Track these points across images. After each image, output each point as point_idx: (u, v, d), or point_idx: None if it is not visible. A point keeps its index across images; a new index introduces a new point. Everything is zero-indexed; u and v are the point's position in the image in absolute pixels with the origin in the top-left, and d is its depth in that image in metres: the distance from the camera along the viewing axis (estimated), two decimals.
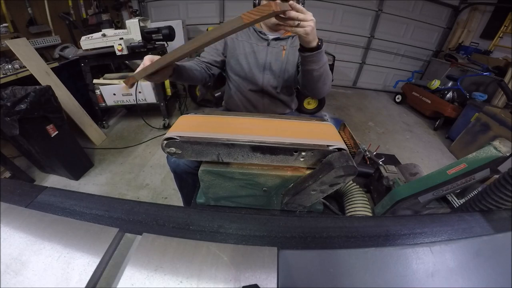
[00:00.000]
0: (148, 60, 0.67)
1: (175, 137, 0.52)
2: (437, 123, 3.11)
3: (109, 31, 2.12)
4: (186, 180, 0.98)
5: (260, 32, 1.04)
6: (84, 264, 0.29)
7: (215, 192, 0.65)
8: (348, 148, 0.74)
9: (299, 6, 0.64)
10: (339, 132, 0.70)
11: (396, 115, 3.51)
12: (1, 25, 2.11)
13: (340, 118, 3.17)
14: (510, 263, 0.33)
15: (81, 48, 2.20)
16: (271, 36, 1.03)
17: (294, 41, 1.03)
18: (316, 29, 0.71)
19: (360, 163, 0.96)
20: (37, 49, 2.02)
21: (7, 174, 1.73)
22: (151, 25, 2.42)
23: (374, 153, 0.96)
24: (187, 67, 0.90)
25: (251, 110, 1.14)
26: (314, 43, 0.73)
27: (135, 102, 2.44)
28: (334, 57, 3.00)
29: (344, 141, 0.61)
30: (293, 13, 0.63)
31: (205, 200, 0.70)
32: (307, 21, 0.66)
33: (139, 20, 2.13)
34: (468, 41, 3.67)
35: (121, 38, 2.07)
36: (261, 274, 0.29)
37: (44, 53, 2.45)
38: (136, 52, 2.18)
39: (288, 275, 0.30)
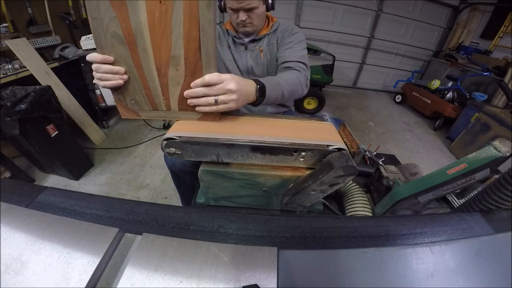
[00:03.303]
0: None
1: (175, 137, 0.52)
2: (437, 123, 3.11)
3: None
4: (184, 178, 0.98)
5: (235, 36, 0.97)
6: (84, 264, 0.29)
7: (215, 192, 0.65)
8: (348, 148, 0.74)
9: (203, 80, 0.52)
10: (339, 132, 0.70)
11: (396, 115, 3.51)
12: (1, 25, 2.11)
13: (340, 118, 3.17)
14: (510, 263, 0.33)
15: (81, 48, 2.20)
16: (246, 39, 0.97)
17: (270, 39, 0.97)
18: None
19: (360, 163, 0.96)
20: (37, 49, 2.02)
21: (7, 174, 1.73)
22: None
23: (374, 153, 0.96)
24: None
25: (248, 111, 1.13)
26: (252, 100, 0.63)
27: None
28: (334, 57, 3.00)
29: (344, 141, 0.61)
30: (200, 90, 0.53)
31: (205, 200, 0.70)
32: (225, 93, 0.54)
33: None
34: (468, 41, 3.68)
35: None
36: (261, 274, 0.29)
37: (44, 53, 2.44)
38: None
39: (288, 275, 0.30)
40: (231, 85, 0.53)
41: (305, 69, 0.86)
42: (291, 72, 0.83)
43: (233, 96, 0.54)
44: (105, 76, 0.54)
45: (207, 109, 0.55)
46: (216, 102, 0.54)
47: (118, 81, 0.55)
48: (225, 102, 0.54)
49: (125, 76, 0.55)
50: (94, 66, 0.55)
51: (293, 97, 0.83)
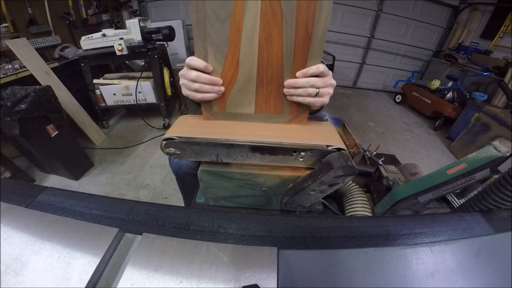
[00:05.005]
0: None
1: (174, 137, 0.52)
2: (437, 123, 3.11)
3: (109, 31, 2.12)
4: (189, 182, 0.98)
5: None
6: (84, 264, 0.29)
7: (214, 192, 0.65)
8: (348, 148, 0.74)
9: (318, 68, 0.48)
10: (338, 132, 0.69)
11: (396, 115, 3.51)
12: (1, 25, 2.11)
13: (340, 118, 3.16)
14: (510, 263, 0.33)
15: (81, 48, 2.20)
16: None
17: None
18: None
19: (360, 163, 0.96)
20: (37, 49, 2.03)
21: (7, 174, 1.73)
22: (151, 25, 2.42)
23: (374, 153, 0.96)
24: None
25: None
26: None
27: (135, 102, 2.44)
28: (334, 57, 3.00)
29: (343, 141, 0.61)
30: (307, 81, 0.48)
31: (205, 200, 0.70)
32: (326, 86, 0.51)
33: (139, 20, 2.13)
34: (468, 41, 3.68)
35: (121, 38, 2.07)
36: (261, 274, 0.29)
37: (44, 53, 2.45)
38: (136, 52, 2.19)
39: (288, 275, 0.30)
40: (333, 80, 0.51)
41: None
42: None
43: (331, 91, 0.52)
44: (204, 87, 0.49)
45: (306, 100, 0.50)
46: (316, 95, 0.50)
47: (216, 94, 0.50)
48: (322, 96, 0.51)
49: (222, 89, 0.50)
50: (193, 75, 0.48)
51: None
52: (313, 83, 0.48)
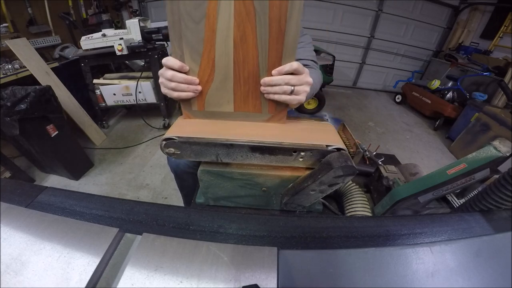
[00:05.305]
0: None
1: (174, 137, 0.52)
2: (437, 123, 3.11)
3: (109, 31, 2.12)
4: (187, 180, 0.98)
5: None
6: (84, 264, 0.29)
7: (214, 192, 0.65)
8: (348, 148, 0.74)
9: (292, 65, 0.49)
10: (338, 132, 0.69)
11: (396, 115, 3.51)
12: (1, 25, 2.11)
13: (340, 118, 3.16)
14: (510, 263, 0.33)
15: (81, 48, 2.20)
16: None
17: None
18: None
19: (360, 162, 0.96)
20: (37, 49, 2.03)
21: (7, 174, 1.73)
22: (151, 25, 2.42)
23: (374, 153, 0.96)
24: None
25: None
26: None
27: (135, 102, 2.44)
28: (334, 57, 3.00)
29: (343, 141, 0.61)
30: (282, 78, 0.49)
31: (205, 200, 0.70)
32: (302, 84, 0.51)
33: (139, 20, 2.13)
34: (468, 41, 3.68)
35: (121, 38, 2.07)
36: (261, 274, 0.29)
37: (44, 53, 2.45)
38: (136, 52, 2.19)
39: (288, 275, 0.30)
40: (309, 78, 0.52)
41: (318, 68, 0.87)
42: (312, 70, 0.81)
43: (307, 89, 0.52)
44: (181, 86, 0.51)
45: (282, 98, 0.52)
46: (292, 92, 0.51)
47: (192, 93, 0.52)
48: (298, 94, 0.52)
49: (199, 88, 0.52)
50: (169, 74, 0.50)
51: (313, 94, 0.80)
52: (288, 80, 0.49)
